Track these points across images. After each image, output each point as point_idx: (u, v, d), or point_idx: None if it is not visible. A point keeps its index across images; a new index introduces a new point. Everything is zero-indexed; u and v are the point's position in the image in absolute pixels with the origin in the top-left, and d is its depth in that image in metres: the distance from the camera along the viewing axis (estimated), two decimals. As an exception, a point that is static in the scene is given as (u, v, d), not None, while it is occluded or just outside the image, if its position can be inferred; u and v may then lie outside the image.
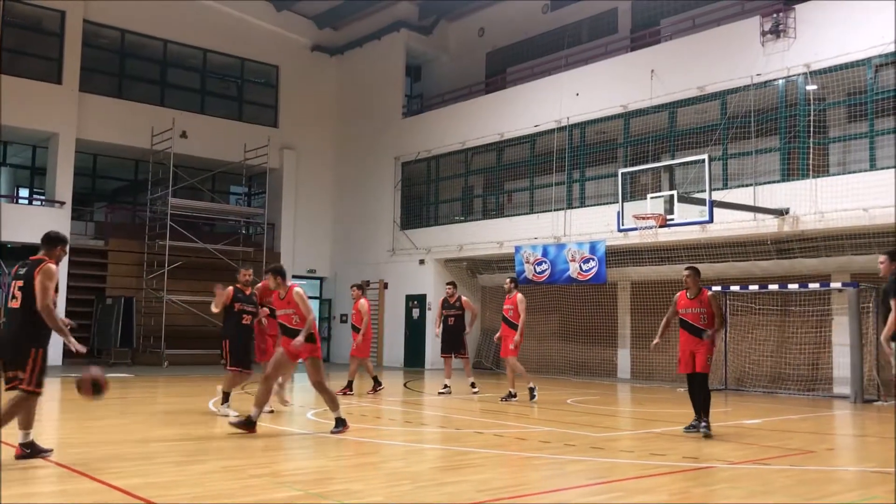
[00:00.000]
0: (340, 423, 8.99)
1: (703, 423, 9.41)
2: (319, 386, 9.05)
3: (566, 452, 8.06)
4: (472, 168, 23.03)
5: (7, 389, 6.79)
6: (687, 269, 9.95)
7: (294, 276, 25.60)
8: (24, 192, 24.65)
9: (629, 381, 19.40)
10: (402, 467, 7.45)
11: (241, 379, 10.62)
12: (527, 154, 21.23)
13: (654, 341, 10.26)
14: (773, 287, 16.06)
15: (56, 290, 6.94)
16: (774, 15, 16.21)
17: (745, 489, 6.59)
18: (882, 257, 8.29)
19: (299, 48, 26.91)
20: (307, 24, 26.99)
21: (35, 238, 22.19)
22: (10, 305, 6.83)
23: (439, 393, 14.44)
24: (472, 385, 14.57)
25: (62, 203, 21.48)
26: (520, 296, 13.51)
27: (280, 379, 10.70)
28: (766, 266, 17.12)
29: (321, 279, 26.86)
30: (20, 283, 6.80)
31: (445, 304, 14.85)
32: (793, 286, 15.79)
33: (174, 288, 22.22)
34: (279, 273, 9.07)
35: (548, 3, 23.62)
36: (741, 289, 16.54)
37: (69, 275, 21.48)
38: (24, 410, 6.82)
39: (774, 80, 16.17)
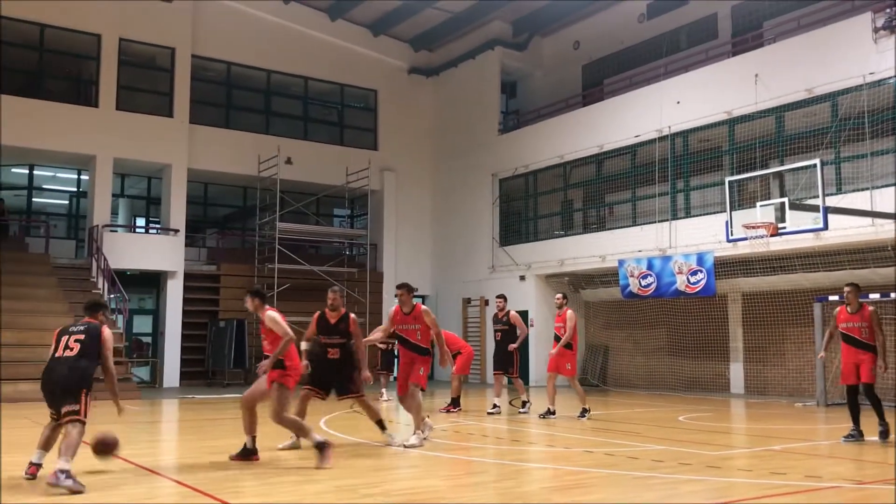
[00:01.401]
0: (321, 447, 8.04)
1: (881, 428, 10.01)
2: (276, 418, 8.29)
3: (681, 472, 7.82)
4: (570, 182, 22.82)
5: (61, 423, 7.21)
6: (848, 285, 10.49)
7: (396, 297, 25.93)
8: (140, 222, 25.89)
9: (743, 396, 18.73)
10: (513, 487, 7.39)
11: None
12: (628, 165, 20.89)
13: (820, 354, 11.14)
14: (896, 295, 15.23)
15: None
16: (888, 10, 15.47)
17: (877, 511, 6.24)
18: None
19: (396, 71, 27.38)
20: (403, 48, 27.46)
21: (152, 265, 23.29)
22: (65, 354, 7.37)
23: (488, 413, 13.66)
24: (523, 404, 13.97)
25: (176, 231, 22.44)
26: (570, 312, 13.11)
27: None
28: (888, 273, 16.23)
29: (423, 297, 27.10)
30: (80, 336, 7.41)
31: (494, 318, 14.37)
32: (918, 294, 14.93)
33: (283, 309, 22.20)
34: (256, 295, 8.74)
35: (644, 11, 23.27)
36: (861, 298, 15.71)
37: (184, 300, 22.41)
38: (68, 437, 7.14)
39: (889, 77, 15.40)
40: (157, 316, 23.12)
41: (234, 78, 25.07)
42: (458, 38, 26.56)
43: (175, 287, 22.31)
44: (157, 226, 23.84)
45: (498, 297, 14.54)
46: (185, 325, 22.38)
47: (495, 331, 14.24)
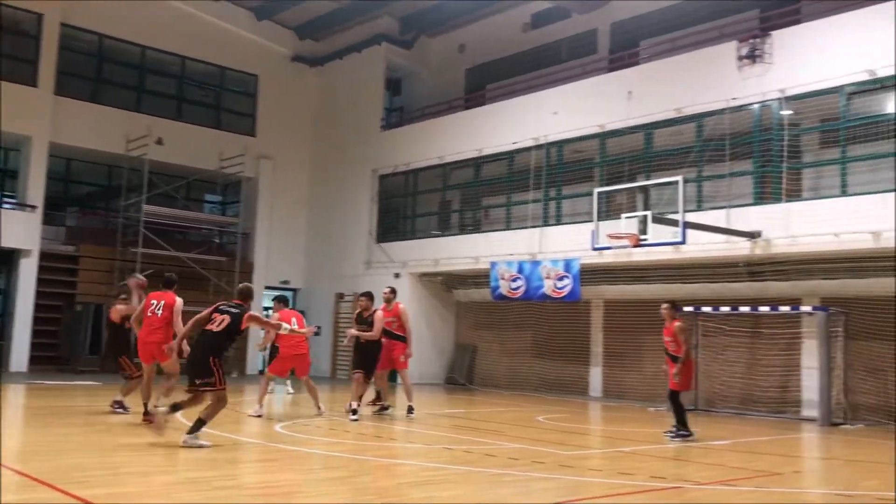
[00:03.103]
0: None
1: (673, 430, 11.18)
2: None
3: (535, 470, 8.05)
4: (449, 183, 23.05)
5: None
6: (665, 303, 11.67)
7: (266, 288, 25.47)
8: (-6, 195, 24.28)
9: (601, 399, 19.45)
10: (370, 482, 7.40)
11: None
12: (504, 171, 21.29)
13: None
14: (745, 309, 16.19)
15: None
16: (751, 40, 16.42)
17: (711, 510, 6.62)
18: None
19: (279, 58, 26.86)
20: (288, 35, 26.97)
21: (4, 242, 21.87)
22: (214, 329, 8.76)
23: (351, 420, 12.06)
24: (354, 412, 12.17)
25: (34, 207, 21.22)
26: (402, 306, 13.01)
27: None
28: (738, 288, 17.27)
29: (294, 290, 26.71)
30: (228, 318, 8.81)
31: (359, 318, 12.74)
32: (764, 309, 15.92)
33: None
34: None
35: (528, 21, 23.77)
36: (713, 310, 16.67)
37: (38, 280, 21.20)
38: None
39: (750, 104, 16.35)
40: (7, 296, 21.78)
41: (106, 51, 23.92)
42: (344, 29, 26.33)
43: (28, 266, 21.06)
44: (13, 201, 22.42)
45: (362, 295, 13.03)
46: (37, 308, 21.16)
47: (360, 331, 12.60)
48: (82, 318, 20.98)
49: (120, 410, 11.35)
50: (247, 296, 9.29)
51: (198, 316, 9.10)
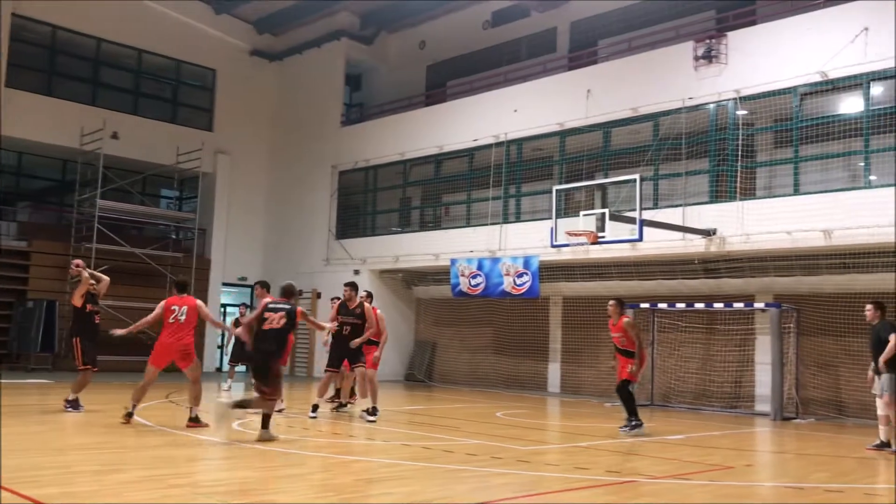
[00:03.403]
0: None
1: (627, 423, 11.43)
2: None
3: (492, 465, 8.09)
4: (410, 179, 23.04)
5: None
6: (611, 300, 11.83)
7: (224, 284, 25.22)
8: (-58, 189, 23.70)
9: (559, 394, 19.61)
10: (328, 479, 7.37)
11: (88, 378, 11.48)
12: (465, 168, 21.35)
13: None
14: (700, 306, 16.46)
15: None
16: (707, 41, 16.68)
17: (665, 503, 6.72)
18: (869, 306, 10.53)
19: (238, 52, 26.60)
20: (246, 29, 26.72)
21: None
22: (275, 327, 9.39)
23: (310, 417, 11.81)
24: (314, 408, 11.97)
25: (-17, 201, 20.77)
26: (379, 311, 12.70)
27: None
28: (694, 285, 17.53)
29: (252, 287, 26.43)
30: (284, 314, 9.47)
31: (343, 309, 12.09)
32: (718, 305, 16.20)
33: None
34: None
35: (488, 19, 23.85)
36: (669, 306, 16.92)
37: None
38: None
39: (706, 104, 16.61)
40: (-44, 292, 21.27)
41: (60, 43, 23.48)
42: (304, 24, 26.16)
43: (-22, 262, 20.62)
44: (-39, 195, 21.93)
45: (346, 284, 12.31)
46: (-14, 304, 20.74)
47: (343, 324, 11.99)
48: (34, 315, 20.57)
49: (71, 409, 11.15)
50: (291, 293, 9.84)
51: (253, 315, 9.76)
